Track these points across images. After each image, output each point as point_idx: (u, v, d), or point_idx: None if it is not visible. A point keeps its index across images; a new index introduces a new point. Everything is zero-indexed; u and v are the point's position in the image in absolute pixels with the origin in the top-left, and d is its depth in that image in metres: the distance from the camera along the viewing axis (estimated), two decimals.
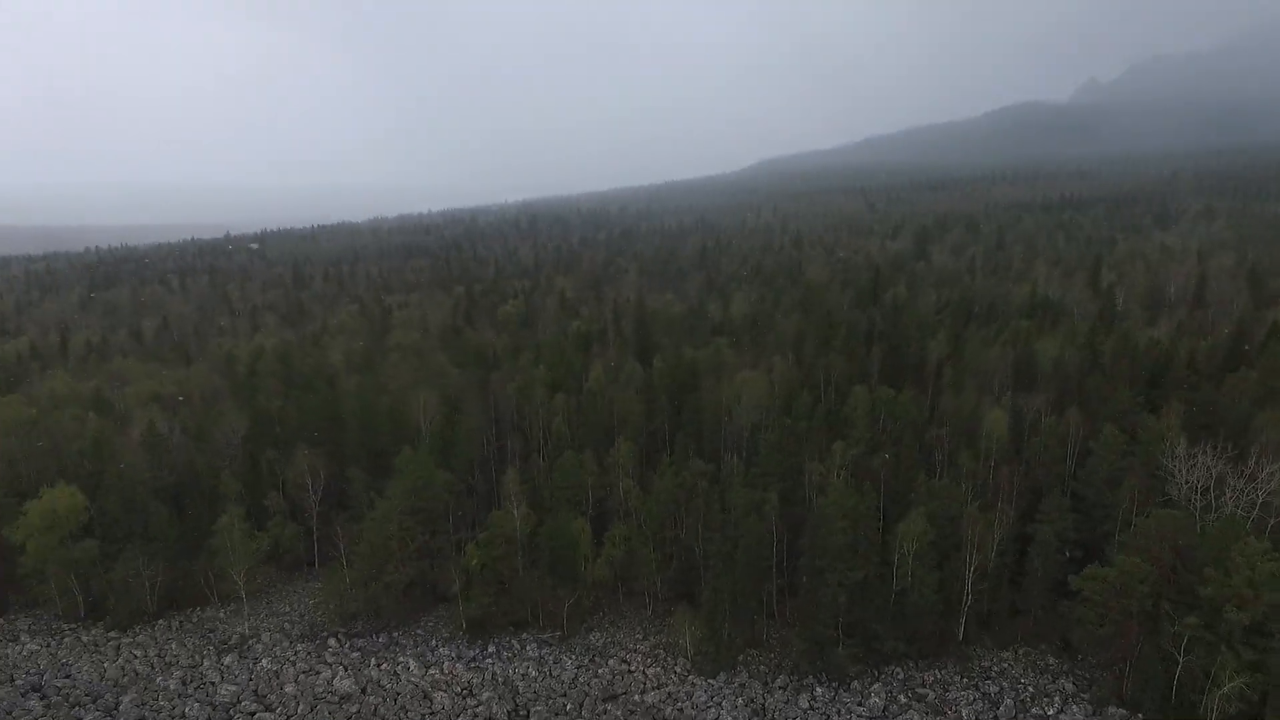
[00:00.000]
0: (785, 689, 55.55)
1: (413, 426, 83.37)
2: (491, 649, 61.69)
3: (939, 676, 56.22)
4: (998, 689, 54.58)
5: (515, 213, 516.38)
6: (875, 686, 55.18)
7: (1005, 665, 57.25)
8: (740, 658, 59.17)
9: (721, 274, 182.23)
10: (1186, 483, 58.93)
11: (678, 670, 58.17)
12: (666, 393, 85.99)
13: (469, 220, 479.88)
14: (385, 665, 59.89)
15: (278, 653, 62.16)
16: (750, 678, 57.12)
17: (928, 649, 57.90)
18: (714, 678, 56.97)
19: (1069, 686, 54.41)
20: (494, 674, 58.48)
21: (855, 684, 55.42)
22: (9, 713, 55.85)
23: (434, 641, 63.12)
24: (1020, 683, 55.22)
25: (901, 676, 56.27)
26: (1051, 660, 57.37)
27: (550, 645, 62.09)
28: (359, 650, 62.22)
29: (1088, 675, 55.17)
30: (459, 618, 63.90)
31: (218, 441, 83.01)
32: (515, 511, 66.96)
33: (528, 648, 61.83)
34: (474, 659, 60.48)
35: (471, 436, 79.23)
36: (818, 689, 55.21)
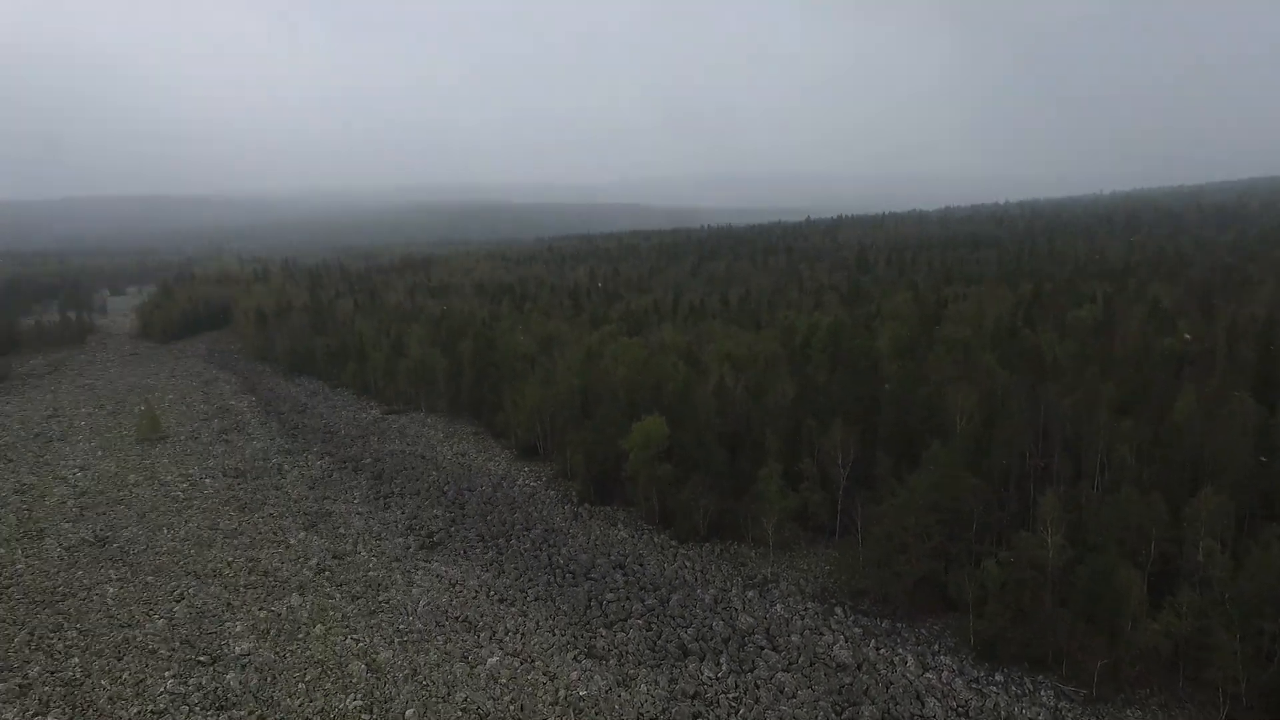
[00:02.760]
0: None
1: (948, 423, 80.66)
2: (999, 677, 56.84)
3: None
4: None
5: (1108, 205, 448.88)
6: None
7: None
8: None
9: None
10: None
11: None
12: None
13: (1051, 212, 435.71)
14: (884, 651, 60.37)
15: (790, 603, 67.99)
16: None
17: None
18: None
19: None
20: (997, 704, 53.85)
21: None
22: (603, 577, 73.40)
23: (936, 646, 61.07)
24: None
25: None
26: None
27: (1072, 701, 54.21)
28: (861, 627, 63.98)
29: None
30: (968, 631, 60.45)
31: (770, 402, 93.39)
32: (1049, 539, 59.72)
33: (1042, 692, 55.16)
34: (976, 680, 56.65)
35: (1010, 446, 72.89)
36: None
